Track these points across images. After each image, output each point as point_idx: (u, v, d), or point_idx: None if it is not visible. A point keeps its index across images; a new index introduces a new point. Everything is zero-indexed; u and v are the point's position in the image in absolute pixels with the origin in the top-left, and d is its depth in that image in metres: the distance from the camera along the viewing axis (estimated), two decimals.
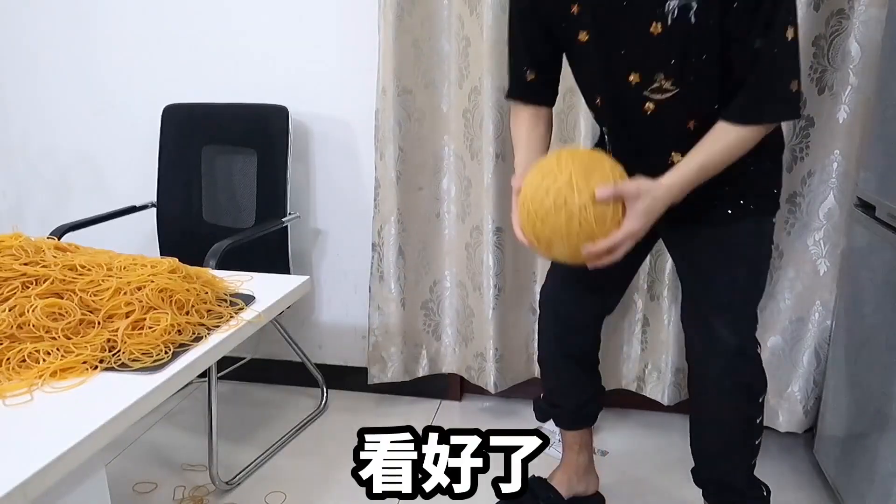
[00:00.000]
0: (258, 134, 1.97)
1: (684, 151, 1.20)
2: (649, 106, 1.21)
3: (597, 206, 1.11)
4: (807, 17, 1.58)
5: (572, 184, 1.11)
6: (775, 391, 1.82)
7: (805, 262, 1.75)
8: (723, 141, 1.16)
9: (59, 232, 1.85)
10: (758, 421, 1.38)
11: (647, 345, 1.96)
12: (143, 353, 1.01)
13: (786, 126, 1.65)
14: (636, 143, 1.28)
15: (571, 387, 1.58)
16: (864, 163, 1.58)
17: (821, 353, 1.77)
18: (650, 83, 1.19)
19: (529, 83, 1.37)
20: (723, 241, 1.30)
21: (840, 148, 1.66)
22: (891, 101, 1.45)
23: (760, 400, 1.37)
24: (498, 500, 1.57)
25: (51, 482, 0.78)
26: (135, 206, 2.10)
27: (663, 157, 1.25)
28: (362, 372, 2.14)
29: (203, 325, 1.12)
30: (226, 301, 1.22)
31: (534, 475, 1.67)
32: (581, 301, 1.50)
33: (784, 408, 1.82)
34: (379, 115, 1.88)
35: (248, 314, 1.19)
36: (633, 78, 1.20)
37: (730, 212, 1.28)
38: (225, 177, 2.06)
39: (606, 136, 1.39)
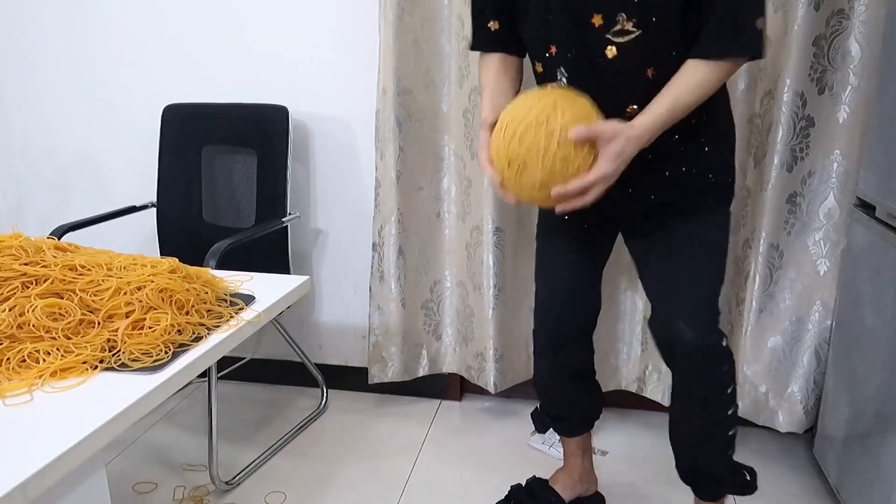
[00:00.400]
0: (258, 134, 1.97)
1: (641, 104, 1.19)
2: (611, 50, 1.19)
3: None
4: (807, 17, 1.58)
5: (556, 105, 1.12)
6: (775, 391, 1.82)
7: (805, 262, 1.75)
8: (691, 79, 1.16)
9: (59, 232, 1.85)
10: (730, 412, 1.39)
11: (647, 345, 1.96)
12: (143, 353, 1.01)
13: (785, 126, 1.65)
14: (593, 92, 1.23)
15: (573, 402, 1.59)
16: (864, 163, 1.58)
17: (821, 353, 1.77)
18: (613, 24, 1.18)
19: (494, 33, 1.35)
20: (676, 242, 1.32)
21: (840, 148, 1.66)
22: (891, 101, 1.45)
23: (730, 391, 1.37)
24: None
25: (51, 482, 0.78)
26: (135, 206, 2.10)
27: (620, 108, 1.23)
28: (362, 372, 2.14)
29: (203, 325, 1.12)
30: (226, 301, 1.22)
31: (534, 476, 1.67)
32: (572, 315, 1.50)
33: (784, 408, 1.82)
34: (379, 115, 1.88)
35: (248, 314, 1.19)
36: (595, 20, 1.18)
37: (683, 208, 1.29)
38: (225, 177, 2.06)
39: None
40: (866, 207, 1.57)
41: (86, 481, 0.96)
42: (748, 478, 1.45)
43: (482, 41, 1.39)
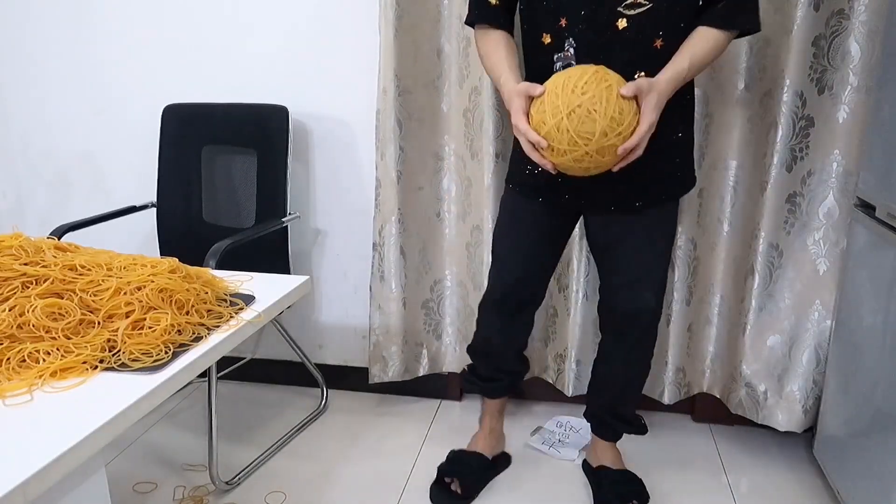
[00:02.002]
0: (258, 134, 1.97)
1: (648, 71, 1.31)
2: (622, 22, 1.30)
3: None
4: (807, 17, 1.58)
5: (603, 69, 1.25)
6: (775, 391, 1.82)
7: (805, 262, 1.75)
8: (705, 42, 1.32)
9: (59, 232, 1.85)
10: (650, 361, 1.68)
11: None
12: (143, 353, 1.01)
13: (785, 126, 1.65)
14: (603, 61, 1.31)
15: (509, 368, 1.79)
16: (864, 163, 1.58)
17: (821, 353, 1.77)
18: None
19: (494, 7, 1.45)
20: (644, 228, 1.50)
21: (840, 148, 1.67)
22: (891, 101, 1.45)
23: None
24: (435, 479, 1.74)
25: (51, 482, 0.78)
26: (135, 206, 2.10)
27: (629, 75, 1.30)
28: (362, 372, 2.14)
29: (203, 325, 1.12)
30: (226, 301, 1.22)
31: (453, 450, 1.80)
32: (527, 287, 1.66)
33: (784, 407, 1.82)
34: (379, 115, 1.88)
35: (248, 314, 1.19)
36: None
37: (651, 192, 1.46)
38: (225, 177, 2.06)
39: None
40: (866, 207, 1.57)
41: (86, 481, 0.96)
42: (642, 422, 1.75)
43: (483, 14, 1.46)
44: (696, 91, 1.74)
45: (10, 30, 2.16)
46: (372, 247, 2.01)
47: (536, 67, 1.44)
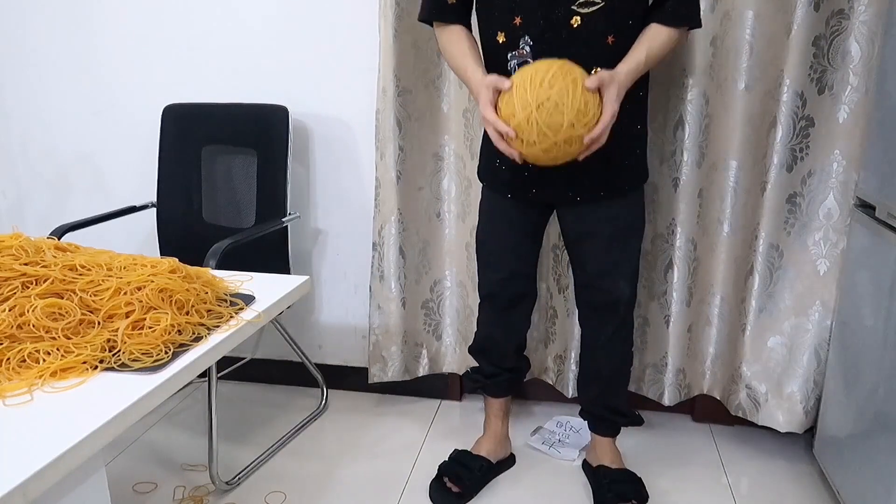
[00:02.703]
0: (258, 134, 1.97)
1: (603, 66, 1.37)
2: (576, 20, 1.36)
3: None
4: (807, 17, 1.58)
5: (569, 64, 1.30)
6: (775, 391, 1.82)
7: (805, 262, 1.75)
8: (658, 38, 1.40)
9: (59, 232, 1.85)
10: (632, 349, 1.74)
11: (647, 345, 1.96)
12: (143, 353, 1.01)
13: (785, 126, 1.65)
14: (558, 58, 1.37)
15: (510, 365, 1.80)
16: (864, 163, 1.58)
17: (821, 353, 1.77)
18: None
19: (451, 6, 1.49)
20: (611, 218, 1.55)
21: (840, 148, 1.66)
22: (891, 101, 1.45)
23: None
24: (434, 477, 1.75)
25: (51, 482, 0.78)
26: (135, 206, 2.10)
27: (586, 70, 1.35)
28: (362, 372, 2.14)
29: (203, 325, 1.12)
30: (226, 301, 1.22)
31: (456, 449, 1.80)
32: (519, 283, 1.70)
33: (784, 408, 1.82)
34: (379, 115, 1.88)
35: (248, 314, 1.19)
36: None
37: (616, 185, 1.52)
38: (225, 177, 2.06)
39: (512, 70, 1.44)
40: (866, 207, 1.57)
41: (86, 481, 0.96)
42: (636, 413, 1.81)
43: (438, 11, 1.50)
44: (696, 91, 1.74)
45: (9, 30, 2.16)
46: (372, 247, 2.01)
47: (489, 66, 1.47)
